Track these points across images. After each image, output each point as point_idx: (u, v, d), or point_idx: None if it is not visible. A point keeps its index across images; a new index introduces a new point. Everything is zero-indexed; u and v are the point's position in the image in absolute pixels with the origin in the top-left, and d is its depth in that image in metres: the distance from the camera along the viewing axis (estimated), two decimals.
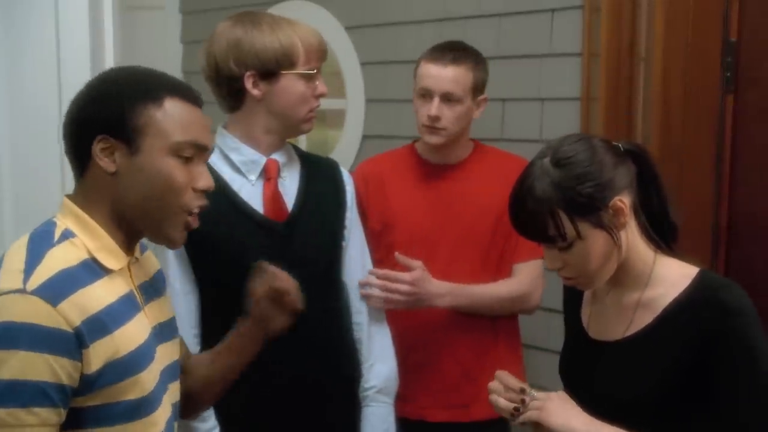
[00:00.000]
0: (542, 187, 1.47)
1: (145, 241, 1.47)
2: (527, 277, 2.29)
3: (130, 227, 1.38)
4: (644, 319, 1.52)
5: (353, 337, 2.07)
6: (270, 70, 1.90)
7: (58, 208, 1.40)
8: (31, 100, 3.21)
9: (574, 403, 1.50)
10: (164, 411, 1.42)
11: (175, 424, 1.49)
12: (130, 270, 1.41)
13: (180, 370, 1.53)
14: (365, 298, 2.08)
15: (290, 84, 1.92)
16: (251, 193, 1.94)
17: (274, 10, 2.83)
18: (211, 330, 1.89)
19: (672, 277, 1.52)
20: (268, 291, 1.60)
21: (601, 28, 2.44)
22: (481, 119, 2.35)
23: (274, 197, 1.95)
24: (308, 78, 1.94)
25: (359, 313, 2.08)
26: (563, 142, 1.51)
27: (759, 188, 2.20)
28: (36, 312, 1.22)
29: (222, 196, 1.89)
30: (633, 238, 1.53)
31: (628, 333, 1.53)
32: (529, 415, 1.49)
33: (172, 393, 1.48)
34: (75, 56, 3.09)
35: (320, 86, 1.96)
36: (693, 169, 2.23)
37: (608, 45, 2.42)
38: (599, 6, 2.45)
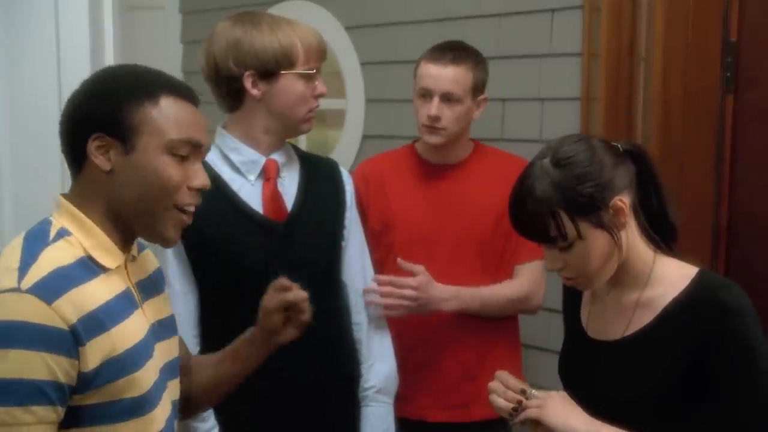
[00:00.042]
0: (542, 187, 1.47)
1: (143, 240, 1.48)
2: (529, 278, 2.29)
3: (126, 225, 1.38)
4: (643, 318, 1.52)
5: (353, 337, 2.07)
6: (269, 70, 1.90)
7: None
8: (31, 100, 3.20)
9: (574, 403, 1.50)
10: (164, 409, 1.41)
11: (176, 422, 1.49)
12: (127, 268, 1.41)
13: (180, 368, 1.53)
14: (370, 305, 2.09)
15: (289, 84, 1.92)
16: (251, 193, 1.94)
17: (274, 10, 2.83)
18: (211, 330, 1.89)
19: (671, 276, 1.52)
20: (279, 303, 1.59)
21: (601, 28, 2.44)
22: (481, 119, 2.35)
23: (273, 197, 1.95)
24: (307, 78, 1.93)
25: (359, 313, 2.08)
26: (563, 143, 1.51)
27: (759, 188, 2.20)
28: (31, 310, 1.22)
29: (221, 196, 1.89)
30: (633, 238, 1.53)
31: (628, 333, 1.53)
32: (529, 413, 1.49)
33: (172, 390, 1.47)
34: (75, 56, 3.08)
35: (319, 86, 1.96)
36: (693, 169, 2.23)
37: (608, 45, 2.42)
38: (599, 6, 2.45)
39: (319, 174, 2.05)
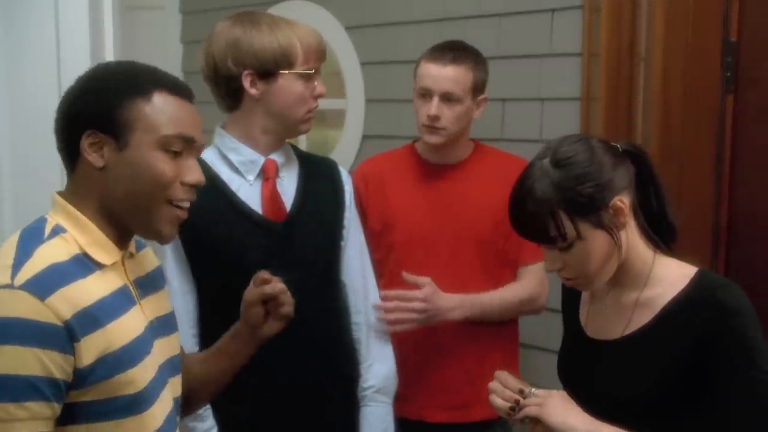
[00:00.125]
0: (542, 188, 1.47)
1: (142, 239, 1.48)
2: (533, 280, 2.29)
3: (120, 222, 1.38)
4: (643, 318, 1.52)
5: (352, 337, 2.07)
6: (268, 70, 1.90)
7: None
8: (31, 100, 3.20)
9: (574, 403, 1.50)
10: (163, 406, 1.41)
11: (177, 419, 1.48)
12: (124, 265, 1.41)
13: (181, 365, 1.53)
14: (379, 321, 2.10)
15: (288, 84, 1.92)
16: (249, 193, 1.94)
17: (274, 10, 2.83)
18: (210, 330, 1.89)
19: (671, 276, 1.52)
20: (258, 296, 1.60)
21: (601, 28, 2.43)
22: (481, 119, 2.34)
23: (272, 197, 1.95)
24: (307, 78, 1.93)
25: (358, 313, 2.08)
26: (562, 143, 1.51)
27: (759, 188, 2.20)
28: (24, 306, 1.22)
29: (220, 196, 1.89)
30: (632, 238, 1.53)
31: (627, 332, 1.53)
32: (529, 410, 1.49)
33: (174, 387, 1.47)
34: (75, 56, 3.08)
35: (319, 86, 1.96)
36: (693, 169, 2.23)
37: (608, 45, 2.42)
38: (599, 6, 2.44)
39: (318, 174, 2.05)
